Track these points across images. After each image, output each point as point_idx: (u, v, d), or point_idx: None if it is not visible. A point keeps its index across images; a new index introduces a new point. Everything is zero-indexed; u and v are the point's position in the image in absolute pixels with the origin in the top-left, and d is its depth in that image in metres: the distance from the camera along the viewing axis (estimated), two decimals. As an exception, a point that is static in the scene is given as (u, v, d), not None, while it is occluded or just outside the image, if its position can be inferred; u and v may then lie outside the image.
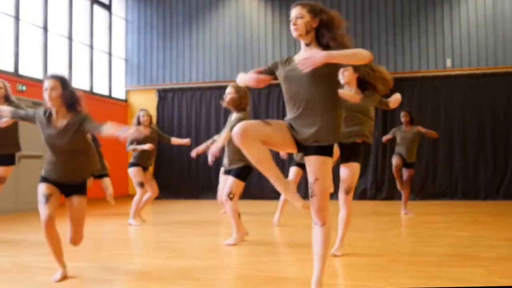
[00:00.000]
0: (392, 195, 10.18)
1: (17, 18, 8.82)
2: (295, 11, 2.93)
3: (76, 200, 3.60)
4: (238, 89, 4.94)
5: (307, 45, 2.97)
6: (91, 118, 3.56)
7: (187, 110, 11.85)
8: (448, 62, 10.42)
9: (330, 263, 4.02)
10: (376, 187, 10.56)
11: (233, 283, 3.53)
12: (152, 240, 5.70)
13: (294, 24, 2.92)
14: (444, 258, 4.14)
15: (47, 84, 3.52)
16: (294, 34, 2.95)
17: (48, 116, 3.57)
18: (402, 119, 7.78)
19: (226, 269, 4.02)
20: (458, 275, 3.49)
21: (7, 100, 5.41)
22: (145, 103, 12.10)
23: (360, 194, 10.49)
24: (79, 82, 10.62)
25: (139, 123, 6.88)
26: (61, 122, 3.54)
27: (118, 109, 11.91)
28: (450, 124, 10.37)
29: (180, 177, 11.59)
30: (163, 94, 11.96)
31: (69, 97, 3.55)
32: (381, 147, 10.61)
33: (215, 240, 5.31)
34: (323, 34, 2.91)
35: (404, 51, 10.68)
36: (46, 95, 3.50)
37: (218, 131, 11.74)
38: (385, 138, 8.06)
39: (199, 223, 6.98)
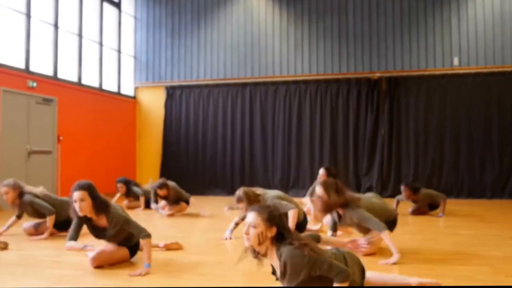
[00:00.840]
0: (397, 192, 10.14)
1: (28, 15, 8.91)
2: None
3: (121, 247, 3.93)
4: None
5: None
6: (130, 223, 3.75)
7: (195, 107, 11.91)
8: (456, 61, 10.39)
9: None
10: (381, 185, 10.56)
11: (238, 279, 3.56)
12: (158, 235, 5.71)
13: (246, 234, 2.65)
14: (449, 256, 4.17)
15: (76, 196, 3.65)
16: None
17: (88, 220, 3.81)
18: (403, 194, 7.25)
19: (232, 265, 4.05)
20: (464, 274, 3.52)
21: (21, 197, 5.27)
22: (154, 100, 12.20)
23: (366, 191, 10.49)
24: (89, 79, 10.72)
25: (156, 193, 7.39)
26: (101, 222, 3.79)
27: (127, 105, 12.01)
28: (457, 123, 10.35)
29: (187, 173, 11.66)
30: (171, 91, 12.03)
31: (98, 204, 3.71)
32: (387, 145, 10.61)
33: (221, 236, 5.35)
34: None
35: (412, 50, 10.65)
36: (77, 207, 3.66)
37: (225, 128, 11.81)
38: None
39: (205, 219, 7.05)
